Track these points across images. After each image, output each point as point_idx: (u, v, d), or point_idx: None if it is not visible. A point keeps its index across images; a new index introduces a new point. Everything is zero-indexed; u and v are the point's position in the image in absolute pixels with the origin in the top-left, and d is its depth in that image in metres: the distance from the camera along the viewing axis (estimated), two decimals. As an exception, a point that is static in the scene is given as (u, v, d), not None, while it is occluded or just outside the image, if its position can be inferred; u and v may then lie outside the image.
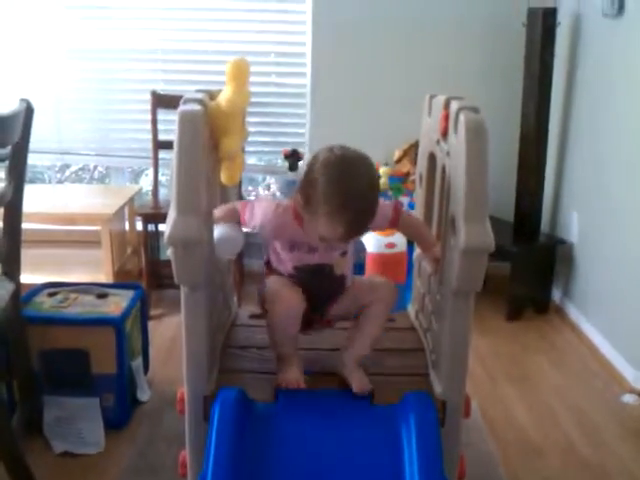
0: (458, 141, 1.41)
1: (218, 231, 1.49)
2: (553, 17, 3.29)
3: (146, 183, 4.33)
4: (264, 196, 1.63)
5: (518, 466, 2.17)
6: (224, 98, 1.43)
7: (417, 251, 1.89)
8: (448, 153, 1.52)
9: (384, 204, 1.55)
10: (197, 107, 1.35)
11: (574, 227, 3.33)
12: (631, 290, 2.73)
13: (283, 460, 1.36)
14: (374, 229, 1.55)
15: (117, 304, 2.35)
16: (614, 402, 2.58)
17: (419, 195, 1.90)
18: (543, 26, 3.27)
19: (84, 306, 2.32)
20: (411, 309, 1.92)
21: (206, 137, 1.40)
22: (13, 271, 2.11)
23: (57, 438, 2.20)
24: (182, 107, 1.34)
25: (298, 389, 1.47)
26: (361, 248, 2.84)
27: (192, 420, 1.47)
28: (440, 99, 1.64)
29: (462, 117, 1.39)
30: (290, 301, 1.49)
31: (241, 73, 1.45)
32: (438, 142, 1.64)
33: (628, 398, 2.59)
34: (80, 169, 4.68)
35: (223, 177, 1.52)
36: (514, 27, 3.39)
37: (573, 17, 3.37)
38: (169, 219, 1.33)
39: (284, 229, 1.52)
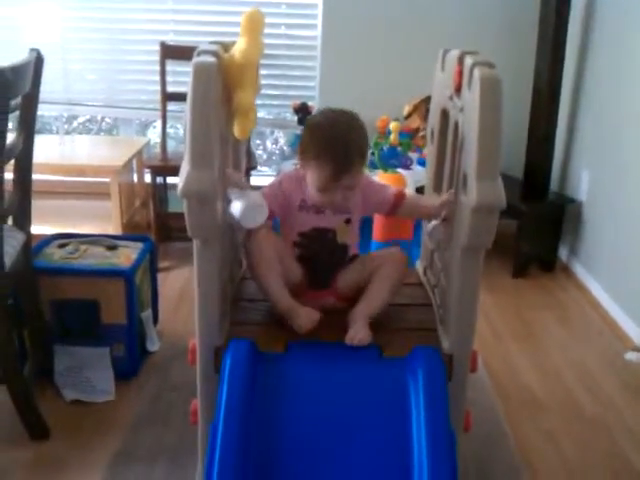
0: (472, 97, 1.40)
1: (244, 200, 1.45)
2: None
3: (154, 135, 4.32)
4: (271, 182, 1.64)
5: (521, 420, 2.20)
6: (238, 50, 1.42)
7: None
8: (462, 109, 1.51)
9: (387, 189, 1.67)
10: (211, 59, 1.34)
11: (584, 186, 3.32)
12: (636, 251, 2.74)
13: (293, 410, 1.38)
14: (375, 212, 1.70)
15: (127, 256, 2.36)
16: (617, 359, 2.61)
17: (430, 151, 1.89)
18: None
19: (94, 257, 2.34)
20: (419, 265, 1.93)
21: (220, 90, 1.39)
22: (24, 222, 2.13)
23: (68, 386, 2.23)
24: (196, 59, 1.34)
25: (311, 338, 1.49)
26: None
27: (203, 370, 1.49)
28: (454, 54, 1.63)
29: (477, 72, 1.38)
30: (263, 242, 1.55)
31: (256, 25, 1.44)
32: (451, 98, 1.63)
33: (631, 355, 2.61)
34: (88, 120, 4.67)
35: (236, 131, 1.51)
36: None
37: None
38: (182, 172, 1.34)
39: (290, 193, 1.61)
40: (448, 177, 1.64)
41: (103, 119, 4.53)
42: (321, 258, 1.61)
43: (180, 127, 4.25)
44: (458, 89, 1.56)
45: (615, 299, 2.92)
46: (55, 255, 2.35)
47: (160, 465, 1.92)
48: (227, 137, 1.55)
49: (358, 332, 1.49)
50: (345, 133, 1.52)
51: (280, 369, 1.44)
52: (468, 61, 1.47)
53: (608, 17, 3.16)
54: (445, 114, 1.72)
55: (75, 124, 4.62)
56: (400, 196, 1.67)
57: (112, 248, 2.42)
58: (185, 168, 1.32)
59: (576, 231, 3.39)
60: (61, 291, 2.25)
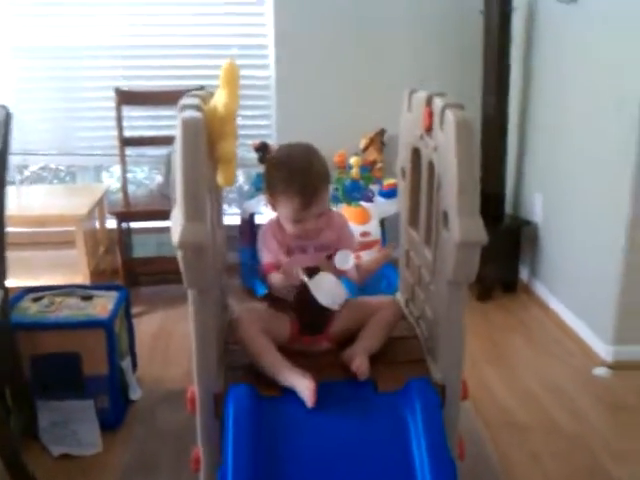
0: (446, 138, 1.47)
1: (325, 286, 1.55)
2: (509, 3, 3.37)
3: (110, 180, 4.30)
4: (263, 242, 1.70)
5: (503, 441, 2.27)
6: (221, 103, 1.47)
7: (403, 242, 1.96)
8: (435, 148, 1.58)
9: (353, 242, 1.76)
10: (197, 114, 1.38)
11: (538, 208, 3.45)
12: (595, 267, 2.87)
13: (297, 450, 1.41)
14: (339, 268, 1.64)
15: (103, 305, 2.37)
16: (587, 376, 2.71)
17: (402, 188, 1.95)
18: (500, 12, 3.36)
19: (71, 309, 2.34)
20: (400, 298, 1.99)
21: (205, 143, 1.44)
22: (1, 278, 2.12)
23: (54, 442, 2.22)
24: (183, 114, 1.38)
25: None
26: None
27: (204, 418, 1.51)
28: (421, 95, 1.70)
29: (450, 116, 1.45)
30: (251, 329, 1.60)
31: (233, 77, 1.50)
32: (422, 137, 1.70)
33: (599, 371, 2.72)
34: (41, 168, 4.62)
35: (220, 179, 1.56)
36: (471, 16, 3.47)
37: (529, 3, 3.47)
38: (176, 225, 1.37)
39: (278, 239, 1.67)
40: (425, 212, 1.70)
41: (58, 167, 4.49)
42: (312, 300, 1.64)
43: (138, 171, 4.26)
44: (428, 129, 1.63)
45: (577, 315, 3.03)
46: (30, 309, 2.34)
47: (154, 515, 1.93)
48: (212, 186, 1.59)
49: (363, 363, 1.55)
50: (305, 163, 1.62)
51: (280, 411, 1.47)
52: (438, 103, 1.55)
53: (547, 43, 3.32)
54: (416, 152, 1.79)
55: (27, 173, 4.56)
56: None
57: (87, 298, 2.42)
58: (179, 220, 1.35)
59: (534, 251, 3.51)
60: (40, 346, 2.24)
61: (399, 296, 2.00)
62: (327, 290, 1.55)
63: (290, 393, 1.52)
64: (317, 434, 1.44)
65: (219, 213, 1.83)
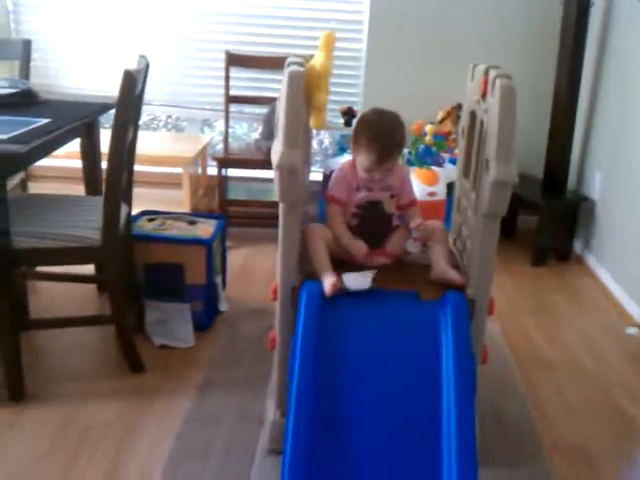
0: (494, 101, 1.84)
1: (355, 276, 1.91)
2: (588, -3, 3.66)
3: (211, 134, 4.81)
4: (334, 177, 2.12)
5: (532, 377, 2.63)
6: (319, 62, 1.88)
7: (457, 191, 2.35)
8: (486, 110, 1.95)
9: (412, 192, 2.14)
10: (301, 68, 1.80)
11: (597, 186, 3.73)
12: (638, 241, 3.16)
13: (352, 337, 1.82)
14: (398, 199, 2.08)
15: (205, 229, 2.84)
16: (619, 332, 3.03)
17: (461, 145, 2.34)
18: (578, 5, 3.65)
19: (179, 229, 2.83)
20: (450, 238, 2.37)
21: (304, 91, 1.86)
22: (129, 197, 2.62)
23: (156, 334, 2.71)
24: (289, 68, 1.80)
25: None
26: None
27: (283, 305, 1.95)
28: (481, 68, 2.07)
29: (498, 82, 1.82)
30: (315, 232, 2.00)
31: (331, 43, 1.90)
32: (478, 102, 2.08)
33: (631, 330, 3.03)
34: (151, 119, 5.18)
35: (312, 122, 1.97)
36: (552, 4, 3.79)
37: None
38: (275, 151, 1.80)
39: (349, 179, 2.04)
40: (475, 163, 2.08)
41: (168, 118, 5.03)
42: (373, 223, 2.05)
43: (237, 127, 4.74)
44: (484, 95, 2.00)
45: (620, 284, 3.34)
46: (146, 227, 2.84)
47: (235, 394, 2.40)
48: (306, 127, 2.01)
49: (455, 273, 1.96)
50: (390, 127, 1.96)
51: (342, 306, 1.89)
52: (492, 73, 1.91)
53: (622, 37, 3.58)
54: (473, 115, 2.17)
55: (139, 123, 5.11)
56: (413, 202, 2.13)
57: (192, 223, 2.91)
58: (278, 148, 1.78)
59: (589, 226, 3.80)
60: (153, 256, 2.73)
61: (449, 236, 2.38)
62: (355, 279, 1.90)
63: (353, 294, 1.93)
64: (369, 329, 1.84)
65: (308, 150, 2.25)
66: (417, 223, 2.03)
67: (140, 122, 2.71)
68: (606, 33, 3.74)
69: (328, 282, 1.87)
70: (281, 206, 1.88)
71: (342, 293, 1.88)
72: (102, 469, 2.01)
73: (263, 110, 3.93)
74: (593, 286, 3.55)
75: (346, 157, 3.55)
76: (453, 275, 1.96)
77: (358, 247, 2.01)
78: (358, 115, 3.87)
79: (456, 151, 3.73)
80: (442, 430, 1.68)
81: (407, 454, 1.68)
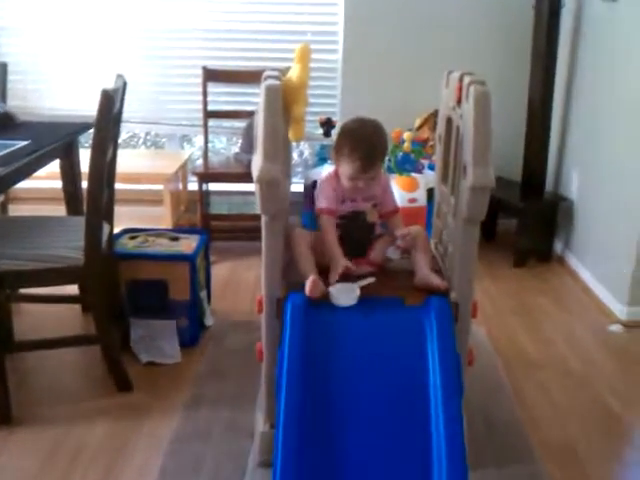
0: (469, 106, 1.87)
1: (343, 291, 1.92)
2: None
3: (190, 150, 4.82)
4: (321, 190, 2.14)
5: (519, 377, 2.66)
6: (295, 75, 1.91)
7: (436, 197, 2.37)
8: (462, 116, 1.98)
9: (394, 200, 2.17)
10: (277, 82, 1.82)
11: (574, 185, 3.78)
12: (620, 240, 3.20)
13: (340, 344, 1.83)
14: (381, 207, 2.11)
15: (188, 245, 2.85)
16: (603, 330, 3.07)
17: (438, 151, 2.36)
18: (549, 6, 3.71)
19: (161, 246, 2.84)
20: (431, 242, 2.39)
21: (281, 105, 1.87)
22: (110, 216, 2.63)
23: (142, 351, 2.71)
24: (266, 82, 1.82)
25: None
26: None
27: (268, 317, 1.96)
28: (455, 74, 2.10)
29: (472, 88, 1.85)
30: (300, 236, 2.02)
31: (306, 55, 1.93)
32: (454, 108, 2.10)
33: (614, 327, 3.07)
34: (130, 136, 5.19)
35: (291, 135, 1.99)
36: (525, 9, 3.85)
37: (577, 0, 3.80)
38: (255, 165, 1.81)
39: (335, 189, 2.05)
40: (452, 168, 2.10)
41: (147, 135, 5.04)
42: (357, 233, 2.07)
43: (217, 141, 4.76)
44: (459, 101, 2.03)
45: (602, 282, 3.37)
46: (129, 244, 2.84)
47: (224, 408, 2.40)
48: (286, 140, 2.03)
49: (438, 279, 1.97)
50: (372, 136, 1.99)
51: (328, 315, 1.90)
52: (466, 80, 1.94)
53: (592, 36, 3.64)
54: (449, 121, 2.20)
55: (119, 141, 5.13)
56: (395, 210, 2.16)
57: (175, 239, 2.91)
58: (258, 161, 1.80)
59: (569, 226, 3.84)
60: (136, 273, 2.73)
61: (431, 241, 2.41)
62: (344, 295, 1.91)
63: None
64: (356, 336, 1.86)
65: (289, 162, 2.27)
66: (404, 233, 2.05)
67: (119, 140, 2.72)
68: (577, 35, 3.81)
69: (308, 281, 1.90)
70: (263, 218, 1.90)
71: (326, 300, 1.90)
72: (93, 490, 2.00)
73: (242, 124, 3.95)
74: (575, 285, 3.58)
75: (327, 167, 3.57)
76: (436, 280, 1.98)
77: (340, 266, 1.96)
78: (338, 125, 3.91)
79: (434, 157, 3.77)
80: (431, 433, 1.70)
81: (397, 459, 1.69)
